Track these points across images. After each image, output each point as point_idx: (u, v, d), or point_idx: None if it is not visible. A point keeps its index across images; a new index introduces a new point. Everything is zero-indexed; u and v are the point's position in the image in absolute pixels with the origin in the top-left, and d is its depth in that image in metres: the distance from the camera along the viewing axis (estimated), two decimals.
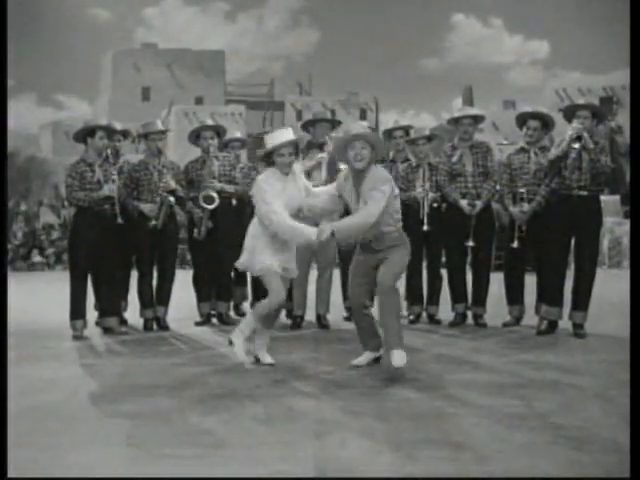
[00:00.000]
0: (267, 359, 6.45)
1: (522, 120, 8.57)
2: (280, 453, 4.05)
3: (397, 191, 6.16)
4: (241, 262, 6.40)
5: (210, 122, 9.66)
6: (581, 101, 8.69)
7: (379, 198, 5.85)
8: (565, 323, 8.11)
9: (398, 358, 5.75)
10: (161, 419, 4.72)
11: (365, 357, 6.34)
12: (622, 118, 25.68)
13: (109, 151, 8.12)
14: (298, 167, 6.46)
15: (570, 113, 8.13)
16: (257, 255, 6.24)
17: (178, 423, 4.62)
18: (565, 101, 26.13)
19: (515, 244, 8.37)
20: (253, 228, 6.36)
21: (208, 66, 44.72)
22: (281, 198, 6.13)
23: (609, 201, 16.76)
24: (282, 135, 6.24)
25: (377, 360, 6.30)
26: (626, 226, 16.88)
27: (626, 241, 16.53)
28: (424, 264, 9.04)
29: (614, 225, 16.70)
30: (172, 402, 5.14)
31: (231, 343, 6.35)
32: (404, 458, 3.92)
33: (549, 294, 8.16)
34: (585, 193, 7.96)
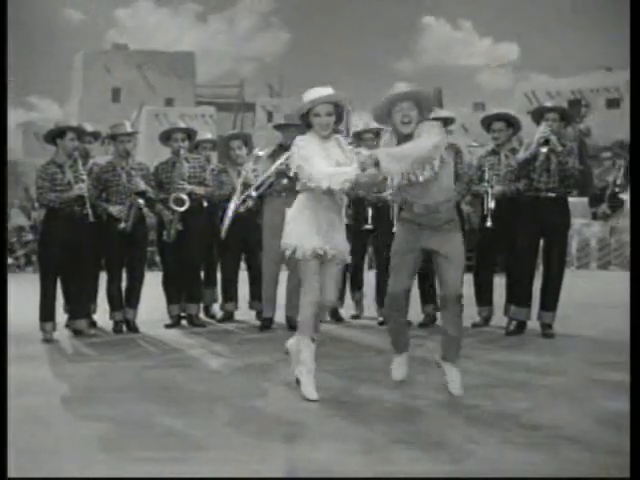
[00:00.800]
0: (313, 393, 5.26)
1: (487, 122, 8.64)
2: (252, 455, 4.06)
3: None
4: (283, 243, 5.44)
5: (182, 124, 9.64)
6: (549, 104, 8.75)
7: (435, 132, 5.17)
8: (534, 323, 8.16)
9: (455, 373, 5.38)
10: (133, 422, 4.70)
11: (402, 363, 5.64)
12: (590, 121, 25.94)
13: (77, 153, 8.06)
14: (343, 140, 5.59)
15: (538, 115, 8.19)
16: (297, 235, 5.33)
17: (150, 426, 4.61)
18: (534, 104, 26.31)
19: (489, 223, 8.32)
20: (292, 210, 5.49)
21: (178, 67, 44.58)
22: (322, 157, 5.29)
23: (577, 203, 16.91)
24: (318, 91, 5.39)
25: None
26: (594, 227, 17.07)
27: (594, 243, 16.71)
28: None
29: (582, 227, 16.87)
30: (144, 405, 5.12)
31: (298, 382, 5.36)
32: (376, 459, 3.94)
33: (518, 295, 8.21)
34: (553, 195, 8.02)
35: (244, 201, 8.57)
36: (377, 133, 9.08)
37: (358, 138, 9.16)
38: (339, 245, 5.38)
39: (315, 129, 5.38)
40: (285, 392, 5.50)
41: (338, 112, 5.41)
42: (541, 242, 8.16)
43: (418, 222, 5.27)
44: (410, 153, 5.03)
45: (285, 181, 8.30)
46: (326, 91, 5.39)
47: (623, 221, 17.33)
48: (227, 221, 8.53)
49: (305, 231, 5.30)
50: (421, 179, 5.07)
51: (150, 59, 45.61)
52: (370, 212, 8.92)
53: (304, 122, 5.46)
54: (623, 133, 26.14)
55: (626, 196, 18.46)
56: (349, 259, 5.56)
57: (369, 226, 8.89)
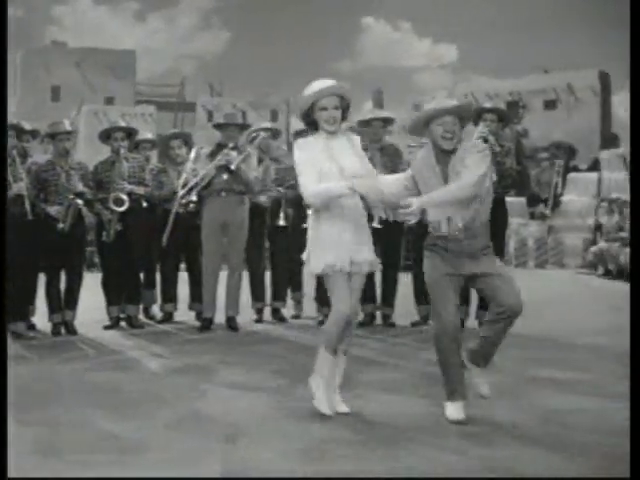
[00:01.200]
0: (342, 407, 4.94)
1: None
2: (190, 456, 4.05)
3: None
4: (305, 260, 5.03)
5: (122, 123, 9.57)
6: (488, 105, 8.87)
7: (478, 162, 4.70)
8: (472, 322, 8.27)
9: (484, 383, 4.97)
10: (70, 425, 4.67)
11: (459, 407, 4.76)
12: (528, 122, 26.32)
13: (14, 152, 7.96)
14: (356, 138, 5.09)
15: (476, 116, 8.30)
16: (318, 250, 4.88)
17: (89, 429, 4.58)
18: (473, 105, 26.66)
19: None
20: (309, 229, 5.03)
21: (118, 66, 44.15)
22: (317, 166, 4.85)
23: (515, 203, 17.15)
24: (323, 82, 4.92)
25: None
26: (532, 227, 17.34)
27: (531, 242, 16.97)
28: None
29: (520, 226, 17.13)
30: (82, 408, 5.08)
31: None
32: (313, 457, 3.97)
33: None
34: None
35: (187, 204, 8.55)
36: (385, 120, 9.02)
37: (366, 124, 9.02)
38: (364, 255, 4.94)
39: (321, 126, 4.91)
40: (224, 393, 5.51)
41: (344, 108, 4.96)
42: None
43: (452, 249, 4.76)
44: (454, 196, 4.65)
45: (225, 177, 8.29)
46: (329, 82, 4.93)
47: (560, 221, 17.65)
48: (168, 227, 8.52)
49: (325, 248, 4.86)
50: (460, 225, 4.72)
51: (89, 57, 45.12)
52: (283, 209, 8.97)
53: (307, 121, 4.99)
54: (560, 134, 26.60)
55: (565, 197, 18.80)
56: (378, 267, 5.13)
57: (282, 222, 8.90)
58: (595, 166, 22.00)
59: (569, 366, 6.53)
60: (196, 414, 4.94)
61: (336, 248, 4.82)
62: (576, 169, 23.39)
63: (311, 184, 4.83)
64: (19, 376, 6.19)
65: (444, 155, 4.75)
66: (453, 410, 4.70)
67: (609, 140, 28.48)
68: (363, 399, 5.25)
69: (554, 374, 6.12)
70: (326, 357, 4.87)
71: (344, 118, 4.97)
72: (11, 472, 3.55)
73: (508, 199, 8.50)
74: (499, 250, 8.29)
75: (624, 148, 23.63)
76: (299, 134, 9.23)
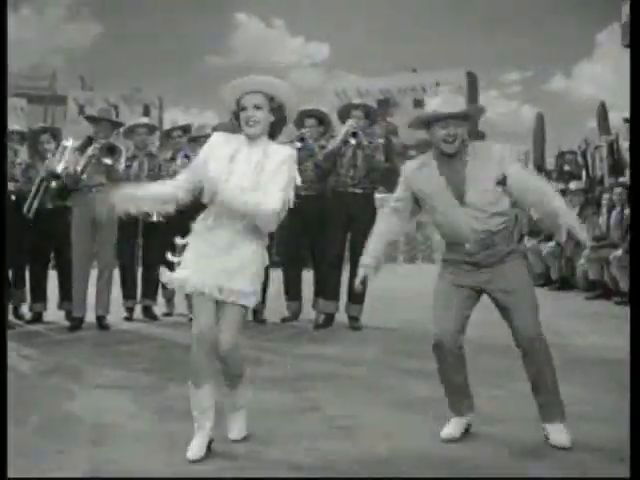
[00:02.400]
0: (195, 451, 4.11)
1: (299, 118, 8.81)
2: (56, 460, 4.06)
3: None
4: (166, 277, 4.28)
5: None
6: (356, 101, 9.06)
7: (516, 162, 4.50)
8: (341, 316, 8.44)
9: (563, 435, 4.30)
10: None
11: (457, 425, 4.51)
12: (398, 120, 26.82)
13: None
14: (290, 152, 4.23)
15: (345, 113, 8.50)
16: (182, 263, 4.20)
17: None
18: (344, 102, 27.00)
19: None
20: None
21: None
22: (204, 169, 4.15)
23: (385, 199, 17.54)
24: (249, 77, 4.23)
25: (468, 430, 4.54)
26: (413, 224, 17.75)
27: (419, 237, 17.35)
28: None
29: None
30: None
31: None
32: (179, 455, 4.03)
33: (326, 288, 8.47)
34: (360, 191, 8.35)
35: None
36: (185, 130, 9.11)
37: (168, 135, 9.13)
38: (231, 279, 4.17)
39: (242, 125, 4.19)
40: (93, 393, 5.51)
41: (274, 109, 4.23)
42: (348, 236, 8.44)
43: (470, 262, 4.40)
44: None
45: (101, 177, 8.23)
46: (256, 78, 4.21)
47: (429, 217, 18.08)
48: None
49: (187, 255, 4.28)
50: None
51: None
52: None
53: (238, 123, 4.26)
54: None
55: None
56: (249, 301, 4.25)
57: (154, 218, 8.84)
58: None
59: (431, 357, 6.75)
60: (65, 416, 4.92)
61: (204, 266, 4.13)
62: None
63: (180, 175, 4.34)
64: None
65: (448, 159, 4.38)
66: (449, 427, 4.46)
67: (477, 138, 29.30)
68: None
69: (413, 364, 6.30)
70: (192, 393, 4.20)
71: (279, 123, 4.29)
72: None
73: (378, 195, 8.68)
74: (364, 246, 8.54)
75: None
76: (166, 133, 9.25)
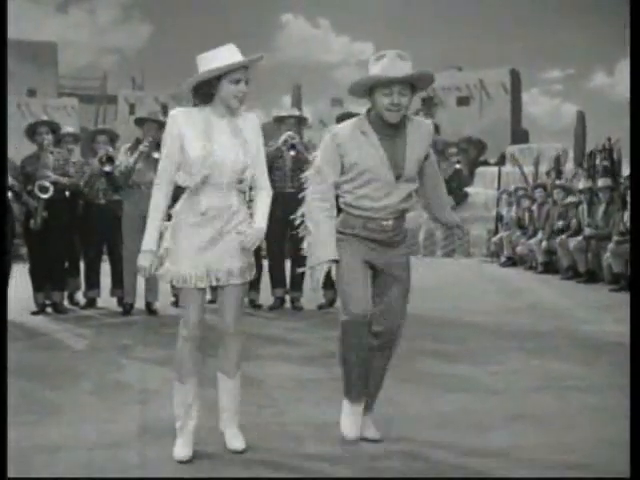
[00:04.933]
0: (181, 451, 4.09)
1: (343, 119, 9.40)
2: (108, 416, 4.75)
3: None
4: (159, 273, 4.17)
5: (45, 117, 10.06)
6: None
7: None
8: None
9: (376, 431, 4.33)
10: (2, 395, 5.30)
11: (354, 420, 4.28)
12: (441, 118, 27.27)
13: None
14: (255, 117, 4.24)
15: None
16: (170, 256, 4.12)
17: (21, 396, 5.24)
18: (432, 73, 27.55)
19: None
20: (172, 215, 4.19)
21: (41, 58, 43.99)
22: (181, 152, 4.03)
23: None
24: (233, 51, 4.08)
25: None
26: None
27: (439, 233, 17.85)
28: None
29: (428, 219, 18.03)
30: (13, 379, 5.69)
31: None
32: (212, 415, 4.65)
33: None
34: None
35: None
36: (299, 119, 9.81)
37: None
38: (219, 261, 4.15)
39: (223, 99, 4.04)
40: (140, 366, 6.19)
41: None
42: None
43: (378, 239, 4.20)
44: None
45: (151, 173, 8.88)
46: (237, 54, 4.08)
47: (467, 213, 18.54)
48: None
49: (176, 247, 4.20)
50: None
51: (12, 48, 44.79)
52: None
53: (200, 92, 4.07)
54: (472, 129, 27.58)
55: (470, 189, 19.71)
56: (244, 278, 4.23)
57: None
58: (503, 160, 23.00)
59: (450, 339, 7.36)
60: (115, 383, 5.61)
61: (196, 255, 4.07)
62: (486, 163, 24.34)
63: (165, 173, 4.11)
64: None
65: (388, 128, 4.10)
66: (349, 419, 4.28)
67: (520, 135, 29.62)
68: (260, 368, 5.98)
69: (436, 346, 6.94)
70: (176, 388, 4.22)
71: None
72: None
73: None
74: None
75: (535, 143, 24.76)
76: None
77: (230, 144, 4.04)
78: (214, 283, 4.10)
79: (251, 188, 4.18)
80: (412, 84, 4.07)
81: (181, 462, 3.99)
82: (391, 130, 4.10)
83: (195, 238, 4.05)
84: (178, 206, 4.13)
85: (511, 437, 4.35)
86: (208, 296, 4.84)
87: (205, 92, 4.04)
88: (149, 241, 4.08)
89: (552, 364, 6.18)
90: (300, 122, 9.80)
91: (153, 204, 4.08)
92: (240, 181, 4.08)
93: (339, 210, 4.23)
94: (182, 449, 4.05)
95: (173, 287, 4.52)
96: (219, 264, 4.06)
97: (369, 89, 4.07)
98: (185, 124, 4.03)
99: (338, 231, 4.17)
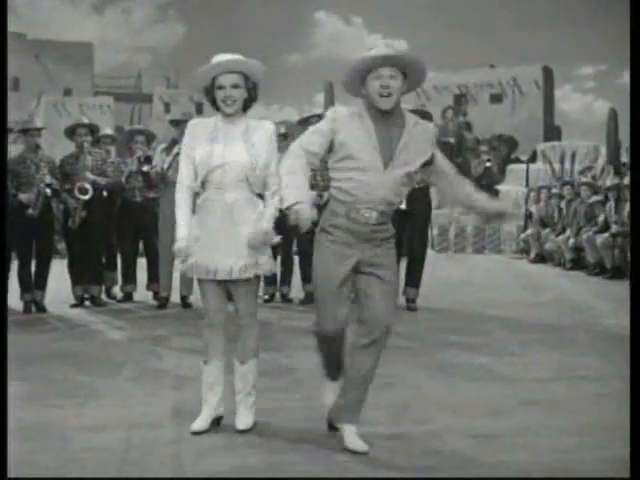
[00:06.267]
0: (198, 423, 4.48)
1: None
2: (145, 400, 5.08)
3: None
4: (184, 267, 4.53)
5: (85, 119, 10.40)
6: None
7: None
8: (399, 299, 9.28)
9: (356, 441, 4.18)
10: (45, 379, 5.67)
11: (333, 391, 4.43)
12: (473, 115, 27.37)
13: None
14: (271, 126, 4.44)
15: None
16: (191, 250, 4.41)
17: (63, 382, 5.61)
18: (422, 97, 27.64)
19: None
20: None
21: (77, 57, 44.61)
22: (192, 154, 4.39)
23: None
24: (220, 57, 4.37)
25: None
26: (470, 216, 18.39)
27: (469, 229, 18.06)
28: None
29: (460, 215, 18.21)
30: (56, 367, 6.07)
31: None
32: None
33: None
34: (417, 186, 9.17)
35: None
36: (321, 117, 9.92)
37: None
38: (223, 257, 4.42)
39: (219, 106, 4.36)
40: (176, 355, 6.51)
41: (249, 88, 4.39)
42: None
43: (361, 232, 4.12)
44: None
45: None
46: (230, 56, 4.36)
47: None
48: None
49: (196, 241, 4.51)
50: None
51: (48, 48, 45.48)
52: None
53: (210, 99, 4.42)
54: (504, 127, 27.65)
55: (501, 186, 19.86)
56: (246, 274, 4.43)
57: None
58: (534, 158, 23.08)
59: (473, 332, 7.62)
60: (152, 370, 5.95)
61: (213, 250, 4.35)
62: (518, 160, 24.43)
63: (185, 178, 4.47)
64: None
65: (382, 117, 4.07)
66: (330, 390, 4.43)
67: (552, 132, 29.64)
68: (291, 357, 6.29)
69: (460, 338, 7.22)
70: (205, 371, 4.60)
71: (252, 99, 4.43)
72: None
73: None
74: (423, 236, 9.41)
75: (568, 140, 24.80)
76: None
77: (236, 146, 4.30)
78: (218, 277, 4.35)
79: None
80: (404, 73, 4.05)
81: (195, 433, 4.33)
82: (387, 119, 4.07)
83: (205, 233, 4.36)
84: (198, 202, 4.44)
85: (521, 421, 4.63)
86: None
87: (208, 99, 4.41)
88: (180, 230, 4.43)
89: (569, 356, 6.45)
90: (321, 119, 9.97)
91: (176, 204, 4.47)
92: (248, 180, 4.31)
93: (327, 203, 4.26)
94: (198, 422, 4.41)
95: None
96: (223, 259, 4.31)
97: (362, 81, 4.06)
98: (194, 134, 4.39)
99: (321, 228, 4.17)
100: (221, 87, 4.29)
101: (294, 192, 3.99)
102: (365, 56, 4.03)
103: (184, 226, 4.42)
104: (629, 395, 4.00)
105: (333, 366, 4.40)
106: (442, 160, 4.28)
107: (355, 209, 4.05)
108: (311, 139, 4.14)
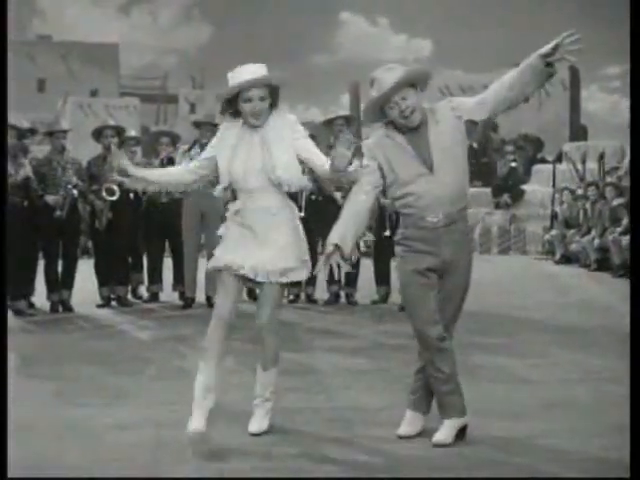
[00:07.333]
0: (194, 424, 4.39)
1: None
2: (170, 399, 5.15)
3: None
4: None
5: (111, 121, 10.51)
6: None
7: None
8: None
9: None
10: (73, 378, 5.74)
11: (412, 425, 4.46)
12: (500, 115, 27.24)
13: (15, 149, 8.87)
14: (293, 119, 4.52)
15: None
16: (218, 250, 4.53)
17: (89, 381, 5.68)
18: (447, 97, 27.54)
19: (387, 232, 9.34)
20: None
21: (102, 59, 44.90)
22: (214, 158, 4.49)
23: (481, 193, 18.24)
24: (249, 71, 4.38)
25: (463, 433, 4.41)
26: (495, 216, 18.35)
27: (495, 230, 18.02)
28: None
29: (485, 215, 18.16)
30: (83, 366, 6.14)
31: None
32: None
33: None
34: None
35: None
36: (346, 118, 9.98)
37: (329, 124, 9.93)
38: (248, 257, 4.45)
39: (244, 117, 4.43)
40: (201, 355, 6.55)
41: (273, 95, 4.46)
42: None
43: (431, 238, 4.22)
44: None
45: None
46: (259, 71, 4.41)
47: (523, 210, 18.66)
48: None
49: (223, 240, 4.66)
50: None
51: (74, 50, 45.81)
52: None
53: (229, 108, 4.47)
54: (530, 127, 27.50)
55: (527, 186, 19.78)
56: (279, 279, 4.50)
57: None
58: (560, 158, 22.94)
59: (497, 333, 7.63)
60: (176, 370, 6.01)
61: (235, 249, 4.44)
62: (544, 160, 24.29)
63: (189, 163, 4.83)
64: (25, 345, 7.22)
65: (415, 133, 4.19)
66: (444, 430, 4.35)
67: (578, 132, 29.44)
68: (314, 358, 6.34)
69: (483, 340, 7.21)
70: (200, 369, 4.58)
71: (274, 105, 4.48)
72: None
73: (474, 189, 9.36)
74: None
75: (594, 140, 24.64)
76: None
77: (256, 155, 4.38)
78: (241, 272, 4.37)
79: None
80: (413, 85, 4.18)
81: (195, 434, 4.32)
82: (412, 129, 4.18)
83: (231, 233, 4.47)
84: (232, 209, 4.52)
85: (539, 423, 4.65)
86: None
87: (232, 110, 4.46)
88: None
89: (591, 358, 6.45)
90: (349, 121, 9.96)
91: None
92: (276, 184, 4.37)
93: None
94: (197, 422, 4.36)
95: None
96: (251, 258, 4.36)
97: (379, 110, 4.22)
98: (220, 139, 4.51)
99: (397, 241, 4.33)
100: (248, 100, 4.36)
101: (333, 231, 4.23)
102: (379, 93, 4.15)
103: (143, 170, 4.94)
104: None
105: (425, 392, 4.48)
106: (475, 100, 4.31)
107: (421, 218, 4.17)
108: (362, 180, 4.24)
